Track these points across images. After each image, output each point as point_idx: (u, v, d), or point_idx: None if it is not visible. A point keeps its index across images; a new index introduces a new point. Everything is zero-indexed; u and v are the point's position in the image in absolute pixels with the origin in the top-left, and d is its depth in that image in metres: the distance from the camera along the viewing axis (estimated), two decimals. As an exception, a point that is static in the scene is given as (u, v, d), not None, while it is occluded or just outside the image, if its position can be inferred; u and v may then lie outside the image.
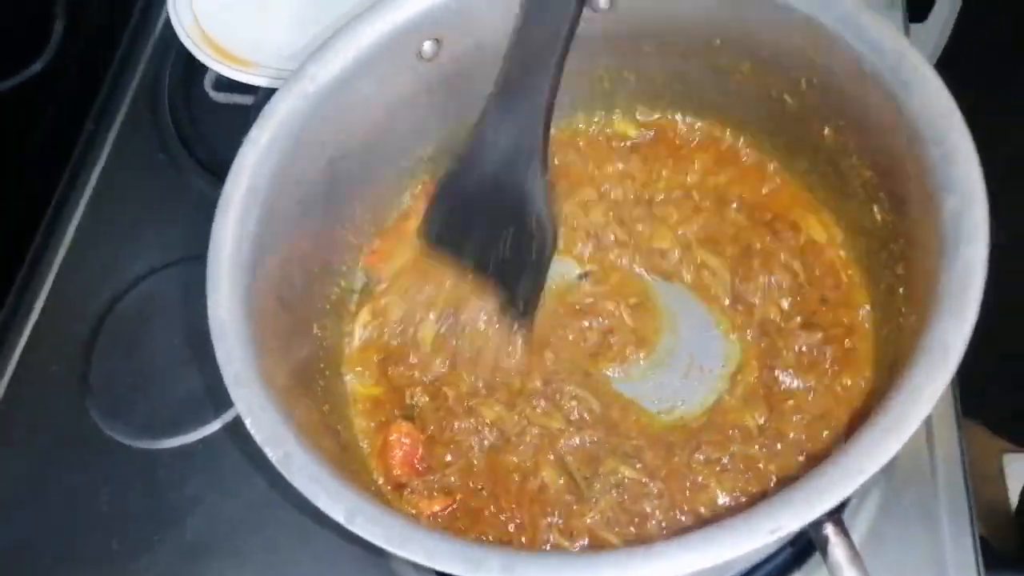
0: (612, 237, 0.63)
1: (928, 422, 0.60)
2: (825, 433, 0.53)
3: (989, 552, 0.58)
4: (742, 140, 0.63)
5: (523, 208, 0.55)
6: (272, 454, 0.42)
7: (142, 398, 0.71)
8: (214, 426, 0.69)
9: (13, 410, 0.72)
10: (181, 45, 0.79)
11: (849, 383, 0.53)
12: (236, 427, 0.67)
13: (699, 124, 0.64)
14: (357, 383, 0.59)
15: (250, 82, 0.76)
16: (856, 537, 0.56)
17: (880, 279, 0.54)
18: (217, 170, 0.79)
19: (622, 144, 0.66)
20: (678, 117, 0.65)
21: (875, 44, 0.49)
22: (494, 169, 0.55)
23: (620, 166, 0.65)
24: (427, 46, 0.57)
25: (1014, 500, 1.07)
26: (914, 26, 0.81)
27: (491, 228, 0.56)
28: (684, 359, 0.58)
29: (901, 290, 0.51)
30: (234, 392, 0.44)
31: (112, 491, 0.67)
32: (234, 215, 0.49)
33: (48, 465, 0.70)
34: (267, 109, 0.53)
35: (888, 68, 0.48)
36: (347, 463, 0.53)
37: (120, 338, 0.74)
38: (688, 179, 0.64)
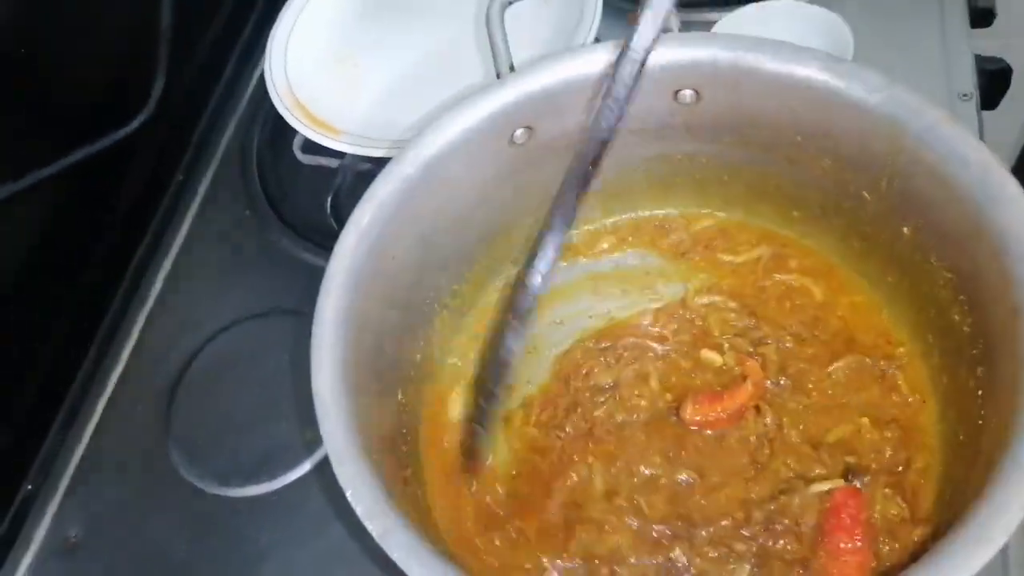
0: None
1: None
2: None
3: None
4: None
5: None
6: (372, 528, 0.44)
7: (219, 447, 0.74)
8: (288, 478, 0.71)
9: (97, 455, 0.75)
10: (271, 106, 0.83)
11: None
12: (311, 479, 0.70)
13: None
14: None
15: (336, 148, 0.79)
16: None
17: (957, 380, 0.55)
18: (301, 228, 0.83)
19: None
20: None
21: (959, 155, 0.51)
22: None
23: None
24: (519, 133, 0.60)
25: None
26: (987, 114, 0.82)
27: None
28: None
29: (980, 392, 0.52)
30: (337, 467, 0.46)
31: (190, 537, 0.70)
32: (335, 295, 0.52)
33: (128, 508, 0.72)
34: (369, 191, 0.56)
35: (973, 181, 0.50)
36: (426, 526, 0.55)
37: (201, 388, 0.77)
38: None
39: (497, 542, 0.57)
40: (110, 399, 0.78)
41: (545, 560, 0.56)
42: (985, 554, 0.40)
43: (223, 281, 0.83)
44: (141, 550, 0.70)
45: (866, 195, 0.60)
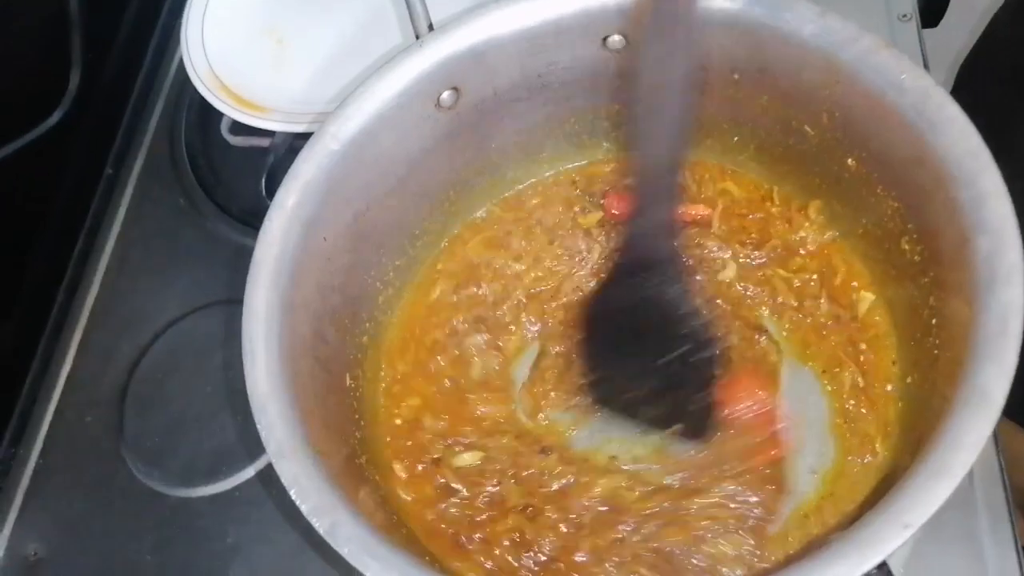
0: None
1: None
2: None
3: None
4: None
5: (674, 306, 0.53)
6: (319, 525, 0.42)
7: (176, 446, 0.71)
8: (249, 472, 0.69)
9: (49, 464, 0.73)
10: (195, 89, 0.80)
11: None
12: (271, 473, 0.68)
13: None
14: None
15: (265, 127, 0.76)
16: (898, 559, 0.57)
17: (910, 314, 0.54)
18: (237, 213, 0.80)
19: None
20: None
21: (897, 82, 0.49)
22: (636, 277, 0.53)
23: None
24: (446, 95, 0.58)
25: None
26: (929, 32, 0.80)
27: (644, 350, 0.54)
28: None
29: (934, 321, 0.51)
30: (278, 465, 0.44)
31: (155, 542, 0.68)
32: (265, 283, 0.50)
33: (87, 517, 0.70)
34: (292, 171, 0.53)
35: (912, 106, 0.48)
36: (387, 513, 0.54)
37: (151, 387, 0.74)
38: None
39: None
40: (58, 407, 0.75)
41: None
42: (944, 489, 0.39)
43: (164, 275, 0.80)
44: (106, 560, 0.68)
45: (808, 130, 0.58)
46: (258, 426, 0.46)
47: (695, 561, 0.52)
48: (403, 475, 0.58)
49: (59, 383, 0.76)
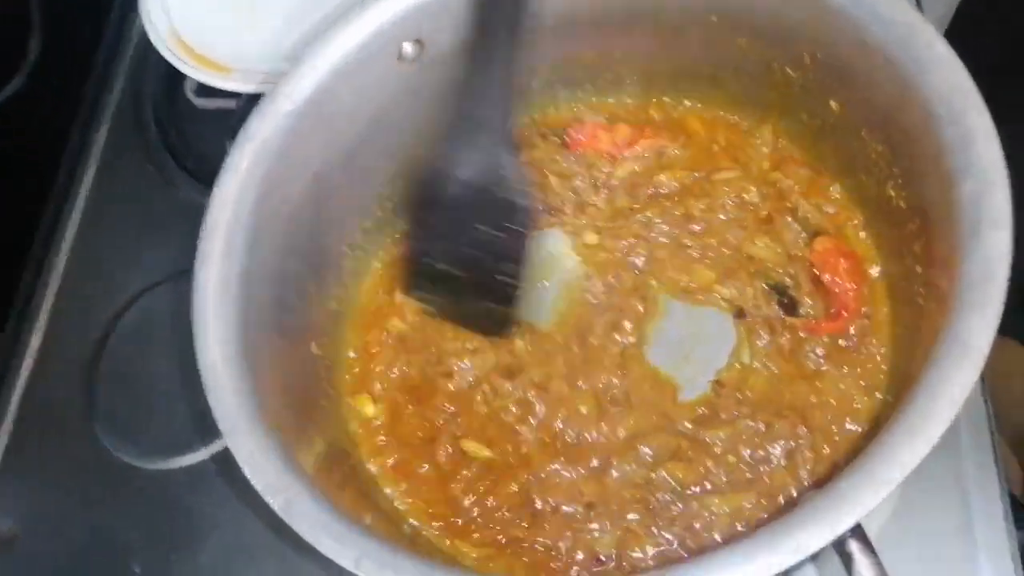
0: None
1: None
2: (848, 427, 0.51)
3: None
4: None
5: (500, 196, 0.52)
6: (274, 502, 0.41)
7: (150, 418, 0.70)
8: (223, 443, 0.67)
9: (22, 441, 0.71)
10: (159, 53, 0.77)
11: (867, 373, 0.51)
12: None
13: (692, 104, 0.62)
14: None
15: (230, 88, 0.73)
16: (879, 517, 0.55)
17: (896, 259, 0.52)
18: (206, 178, 0.77)
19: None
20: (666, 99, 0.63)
21: (882, 17, 0.46)
22: (466, 172, 0.52)
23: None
24: (408, 48, 0.55)
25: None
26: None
27: (472, 239, 0.53)
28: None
29: (919, 270, 0.49)
30: (231, 441, 0.42)
31: (132, 516, 0.67)
32: (217, 250, 0.48)
33: (62, 493, 0.69)
34: (243, 133, 0.51)
35: (897, 43, 0.45)
36: (357, 485, 0.53)
37: (123, 358, 0.72)
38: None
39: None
40: (28, 382, 0.73)
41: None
42: (923, 446, 0.37)
43: (134, 243, 0.78)
44: (83, 536, 0.67)
45: (790, 72, 0.55)
46: (209, 402, 0.44)
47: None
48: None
49: (29, 359, 0.74)
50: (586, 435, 0.53)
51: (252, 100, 0.74)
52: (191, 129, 0.80)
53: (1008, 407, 0.85)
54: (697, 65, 0.59)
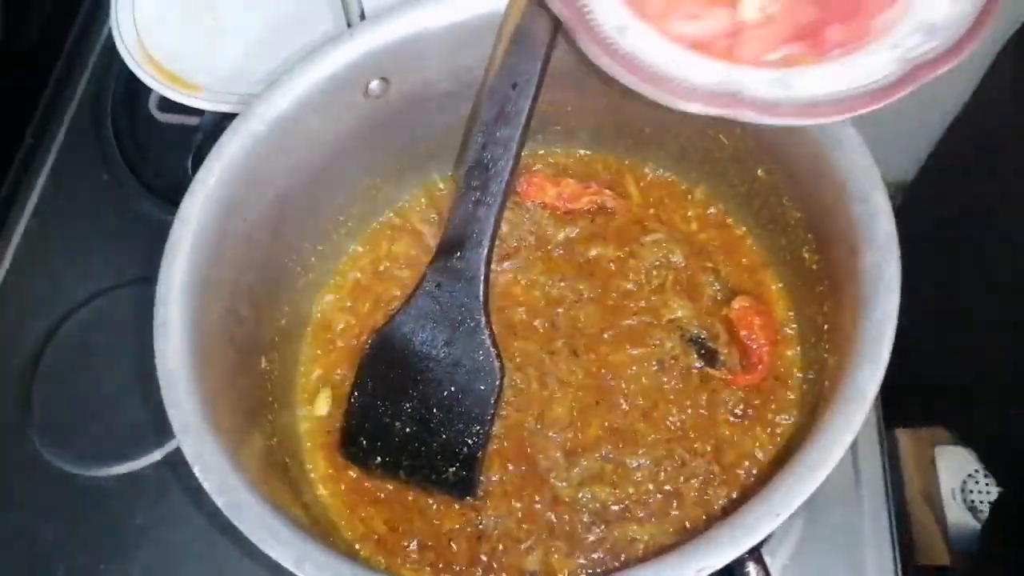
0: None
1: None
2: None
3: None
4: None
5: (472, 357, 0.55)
6: (221, 502, 0.43)
7: (86, 425, 0.70)
8: (158, 454, 0.68)
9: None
10: (124, 62, 0.78)
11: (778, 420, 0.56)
12: (179, 456, 0.67)
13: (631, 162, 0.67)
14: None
15: (194, 104, 0.75)
16: (782, 555, 0.60)
17: (807, 317, 0.57)
18: (161, 191, 0.79)
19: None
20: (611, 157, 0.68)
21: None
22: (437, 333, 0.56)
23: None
24: (374, 85, 0.58)
25: (944, 488, 1.09)
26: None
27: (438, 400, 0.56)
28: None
29: (826, 327, 0.54)
30: (183, 441, 0.44)
31: (60, 522, 0.67)
32: (182, 261, 0.50)
33: (-11, 495, 0.69)
34: (215, 150, 0.53)
35: (815, 127, 0.51)
36: (297, 495, 0.55)
37: (63, 365, 0.73)
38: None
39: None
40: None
41: None
42: (812, 482, 0.41)
43: (81, 251, 0.78)
44: (9, 539, 0.67)
45: (723, 139, 0.60)
46: (164, 402, 0.46)
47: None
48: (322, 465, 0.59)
49: (-35, 358, 0.74)
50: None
51: (216, 119, 0.77)
52: (149, 142, 0.81)
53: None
54: (641, 127, 0.64)
